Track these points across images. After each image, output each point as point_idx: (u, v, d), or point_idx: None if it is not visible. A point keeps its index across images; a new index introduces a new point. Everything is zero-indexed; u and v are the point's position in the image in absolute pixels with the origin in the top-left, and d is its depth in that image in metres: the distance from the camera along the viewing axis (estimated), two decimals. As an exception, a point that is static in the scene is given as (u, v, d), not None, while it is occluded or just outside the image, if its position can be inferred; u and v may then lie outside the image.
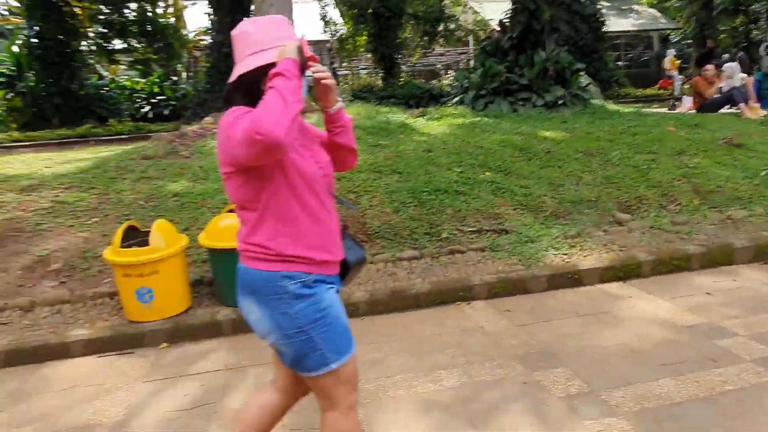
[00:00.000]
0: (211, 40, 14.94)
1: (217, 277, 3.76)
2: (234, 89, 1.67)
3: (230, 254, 3.46)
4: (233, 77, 1.64)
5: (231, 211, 3.78)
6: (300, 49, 1.56)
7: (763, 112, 8.30)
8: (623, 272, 4.17)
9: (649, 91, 16.86)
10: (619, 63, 22.11)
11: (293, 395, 1.95)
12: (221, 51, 13.22)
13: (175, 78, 17.93)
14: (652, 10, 24.56)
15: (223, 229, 3.57)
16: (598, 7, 17.74)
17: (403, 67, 18.00)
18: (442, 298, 3.87)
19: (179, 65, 19.38)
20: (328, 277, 1.73)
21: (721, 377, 2.75)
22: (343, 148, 1.86)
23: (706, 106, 8.73)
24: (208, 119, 7.35)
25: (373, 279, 4.04)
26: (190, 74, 19.73)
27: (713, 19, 19.42)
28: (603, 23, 16.98)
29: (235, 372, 3.13)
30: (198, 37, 18.82)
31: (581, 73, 9.15)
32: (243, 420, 1.91)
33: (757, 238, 4.54)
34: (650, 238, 4.61)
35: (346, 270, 1.82)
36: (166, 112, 15.96)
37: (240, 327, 3.54)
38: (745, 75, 9.44)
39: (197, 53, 19.31)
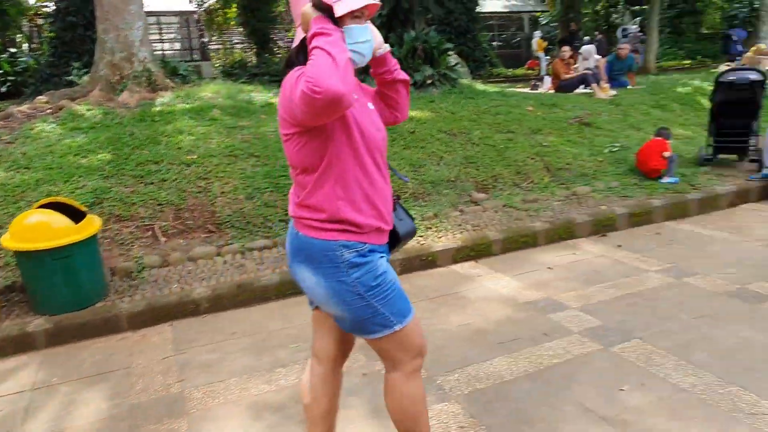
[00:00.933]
0: (54, 7, 13.32)
1: (28, 284, 3.30)
2: (298, 51, 1.62)
3: (43, 256, 3.09)
4: (296, 42, 1.63)
5: (44, 206, 3.31)
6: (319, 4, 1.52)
7: (612, 92, 8.95)
8: (475, 252, 4.26)
9: (519, 71, 17.69)
10: (494, 43, 23.01)
11: (340, 359, 1.95)
12: (66, 19, 11.84)
13: (13, 50, 15.84)
14: (524, -8, 25.72)
15: (32, 228, 3.13)
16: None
17: (280, 43, 17.32)
18: (293, 289, 3.70)
19: (18, 35, 17.18)
20: (380, 246, 1.71)
21: (550, 351, 2.86)
22: (397, 84, 1.82)
23: (562, 86, 9.26)
24: (41, 98, 6.52)
25: (218, 272, 3.78)
26: (33, 45, 17.59)
27: (577, 2, 20.70)
28: (476, 3, 17.46)
29: (43, 392, 2.75)
30: (40, 3, 16.76)
31: (450, 52, 9.30)
32: (311, 401, 1.92)
33: (596, 213, 4.85)
34: (502, 216, 4.76)
35: (395, 241, 1.81)
36: (3, 89, 14.08)
37: (57, 338, 3.14)
38: (599, 57, 10.11)
39: (40, 21, 17.21)
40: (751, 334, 2.91)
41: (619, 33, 20.97)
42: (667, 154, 5.53)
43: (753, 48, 12.86)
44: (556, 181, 5.51)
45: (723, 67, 12.33)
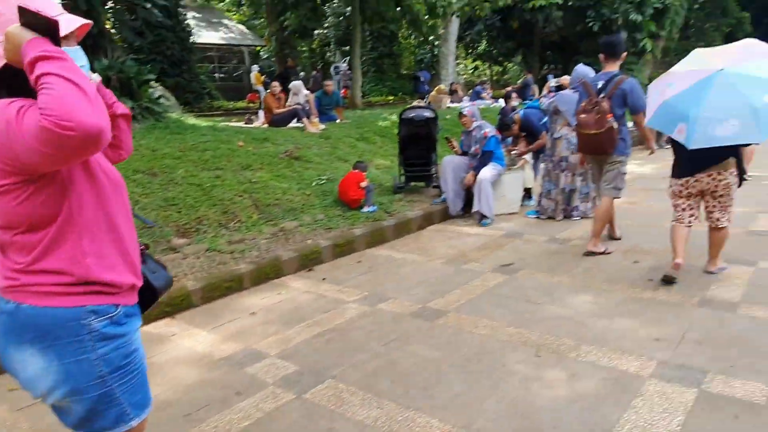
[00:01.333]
0: None
1: None
2: None
3: None
4: None
5: None
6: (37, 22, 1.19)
7: (322, 126, 9.46)
8: (171, 307, 3.85)
9: (240, 104, 17.71)
10: (216, 75, 22.65)
11: None
12: None
13: None
14: (242, 26, 26.02)
15: None
16: (186, 17, 17.59)
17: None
18: None
19: None
20: (133, 308, 1.47)
21: (241, 413, 2.64)
22: (118, 119, 1.58)
23: (275, 120, 9.43)
24: None
25: None
26: None
27: (291, 39, 21.71)
28: (190, 33, 16.93)
29: None
30: None
31: (154, 84, 8.65)
32: None
33: (303, 248, 4.91)
34: (204, 262, 4.45)
35: (150, 298, 1.55)
36: None
37: None
38: (308, 92, 10.63)
39: None
40: (427, 353, 3.16)
41: (332, 70, 22.70)
42: (363, 184, 5.96)
43: (436, 88, 15.16)
44: (265, 218, 5.44)
45: (415, 104, 14.22)
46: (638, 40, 17.73)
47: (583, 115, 4.54)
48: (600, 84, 4.59)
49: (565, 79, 6.22)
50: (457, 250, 5.22)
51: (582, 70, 5.72)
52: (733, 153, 3.72)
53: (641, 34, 17.68)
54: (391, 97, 22.32)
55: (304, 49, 32.63)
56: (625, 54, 4.75)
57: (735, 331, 3.20)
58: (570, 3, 16.81)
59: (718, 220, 3.90)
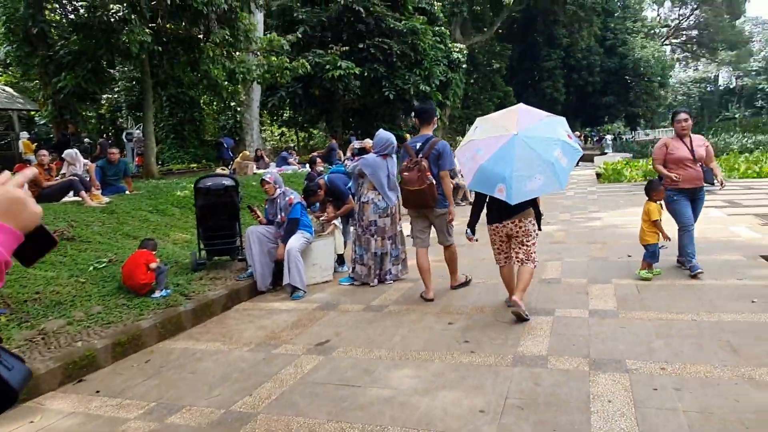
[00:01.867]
0: None
1: None
2: None
3: None
4: None
5: None
6: None
7: (106, 199, 8.26)
8: None
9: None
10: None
11: None
12: None
13: None
14: (10, 89, 22.71)
15: None
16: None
17: None
18: None
19: None
20: None
21: None
22: None
23: (44, 195, 7.97)
24: None
25: None
26: None
27: (72, 103, 19.44)
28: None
29: None
30: None
31: None
32: None
33: (70, 353, 3.91)
34: None
35: (8, 399, 1.10)
36: None
37: None
38: (87, 161, 9.32)
39: None
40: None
41: (124, 137, 20.80)
42: (153, 265, 5.12)
43: (241, 154, 14.63)
44: (17, 319, 4.29)
45: (218, 171, 13.47)
46: (428, 108, 19.39)
47: (406, 173, 4.99)
48: (418, 145, 5.13)
49: (368, 142, 6.23)
50: (267, 330, 4.66)
51: (384, 134, 5.75)
52: (531, 204, 4.39)
53: (431, 102, 19.42)
54: (194, 165, 21.10)
55: (91, 114, 29.72)
56: (436, 119, 5.37)
57: (549, 389, 3.16)
58: (366, 74, 17.84)
59: (524, 260, 4.41)
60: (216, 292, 5.43)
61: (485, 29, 36.21)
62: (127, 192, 9.50)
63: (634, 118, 45.91)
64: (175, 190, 9.98)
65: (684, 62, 67.04)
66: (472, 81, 36.91)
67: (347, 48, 17.81)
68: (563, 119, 4.41)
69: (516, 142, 4.06)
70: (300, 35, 17.19)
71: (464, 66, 24.76)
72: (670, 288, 5.01)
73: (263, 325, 4.83)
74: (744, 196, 11.32)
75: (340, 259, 6.78)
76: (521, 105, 4.52)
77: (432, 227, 5.32)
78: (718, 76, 77.92)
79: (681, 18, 55.39)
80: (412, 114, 5.32)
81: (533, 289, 5.10)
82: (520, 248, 4.41)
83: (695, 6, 52.09)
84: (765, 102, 75.48)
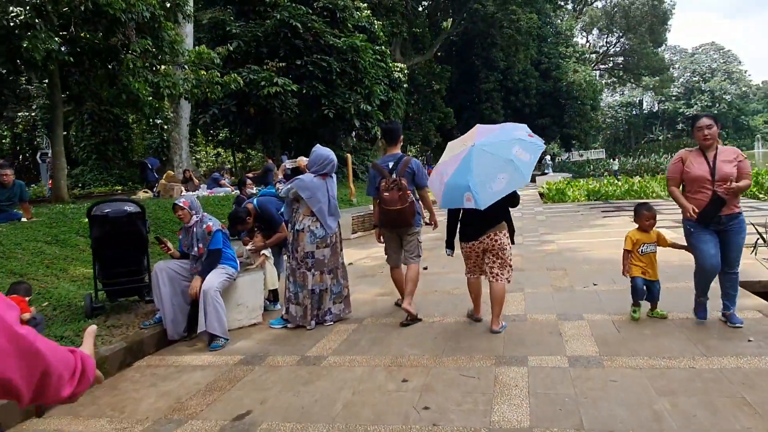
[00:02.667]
0: None
1: None
2: None
3: None
4: None
5: None
6: None
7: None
8: None
9: None
10: None
11: None
12: None
13: None
14: None
15: None
16: None
17: None
18: None
19: None
20: None
21: None
22: None
23: None
24: None
25: None
26: None
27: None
28: None
29: None
30: None
31: None
32: None
33: None
34: None
35: None
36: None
37: None
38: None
39: None
40: None
41: (38, 158, 18.99)
42: (27, 316, 4.00)
43: (165, 174, 13.36)
44: None
45: (141, 194, 12.16)
46: (370, 128, 18.79)
47: (386, 194, 4.81)
48: (390, 164, 4.97)
49: (303, 160, 5.35)
50: (171, 398, 3.64)
51: (321, 151, 4.95)
52: (506, 217, 4.45)
53: (372, 122, 18.82)
54: (119, 187, 19.49)
55: (5, 133, 27.35)
56: (401, 137, 5.25)
57: None
58: (305, 91, 17.00)
59: (498, 275, 4.40)
60: (111, 347, 4.35)
61: (424, 51, 36.34)
62: (23, 219, 8.15)
63: (569, 140, 47.25)
64: (84, 217, 8.70)
65: (612, 87, 70.24)
66: (412, 102, 36.82)
67: (284, 64, 16.95)
68: (524, 125, 4.46)
69: (474, 152, 4.14)
70: (232, 49, 16.17)
71: (405, 86, 24.41)
72: (650, 325, 4.39)
73: (168, 390, 3.81)
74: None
75: (273, 295, 5.82)
76: (479, 125, 4.61)
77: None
78: (642, 100, 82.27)
79: (608, 45, 58.04)
80: (380, 133, 5.54)
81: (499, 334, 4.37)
82: (494, 261, 4.41)
83: (621, 34, 54.71)
84: (685, 125, 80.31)
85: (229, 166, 25.88)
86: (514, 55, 37.56)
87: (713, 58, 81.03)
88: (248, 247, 5.77)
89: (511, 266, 4.46)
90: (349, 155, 15.46)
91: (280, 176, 5.49)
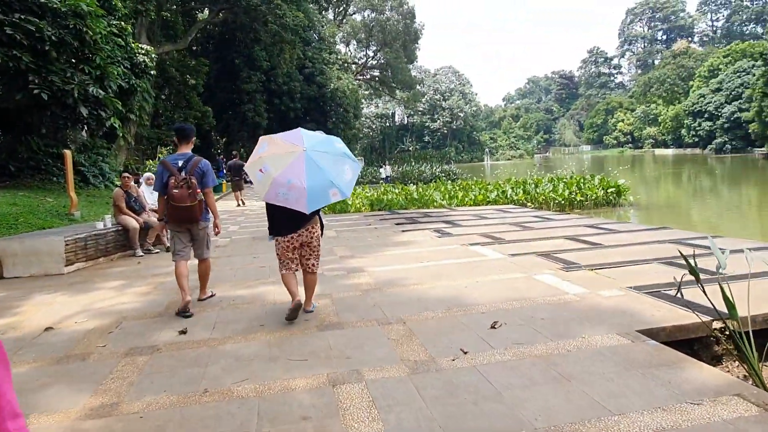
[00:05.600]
0: None
1: None
2: None
3: None
4: None
5: None
6: None
7: None
8: None
9: None
10: None
11: None
12: None
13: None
14: None
15: None
16: None
17: None
18: None
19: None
20: None
21: None
22: None
23: None
24: None
25: None
26: None
27: None
28: None
29: None
30: None
31: None
32: None
33: None
34: None
35: None
36: None
37: None
38: None
39: None
40: None
41: None
42: None
43: None
44: None
45: None
46: (104, 119, 14.48)
47: (176, 191, 4.94)
48: (180, 163, 5.06)
49: None
50: None
51: None
52: (317, 214, 4.74)
53: (107, 111, 14.52)
54: None
55: None
56: (194, 138, 5.35)
57: None
58: (11, 65, 12.05)
59: (313, 265, 4.81)
60: None
61: (177, 39, 31.82)
62: None
63: (333, 147, 47.18)
64: None
65: (368, 98, 73.65)
66: (163, 96, 31.98)
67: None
68: (333, 137, 4.77)
69: (310, 155, 4.35)
70: None
71: (153, 74, 20.22)
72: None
73: None
74: (489, 227, 10.28)
75: None
76: (299, 129, 4.69)
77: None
78: (395, 113, 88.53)
79: (367, 57, 60.29)
80: (174, 132, 5.30)
81: None
82: (311, 254, 4.78)
83: (378, 48, 57.20)
84: (431, 137, 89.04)
85: None
86: (279, 54, 35.42)
87: (451, 80, 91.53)
88: None
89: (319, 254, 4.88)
90: (68, 152, 11.18)
91: None
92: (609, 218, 15.48)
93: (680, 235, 8.18)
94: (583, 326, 4.16)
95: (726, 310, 3.60)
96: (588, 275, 5.83)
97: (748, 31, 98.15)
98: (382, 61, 57.51)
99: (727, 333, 4.22)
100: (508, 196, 16.70)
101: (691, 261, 3.68)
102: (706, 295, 3.58)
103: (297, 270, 4.77)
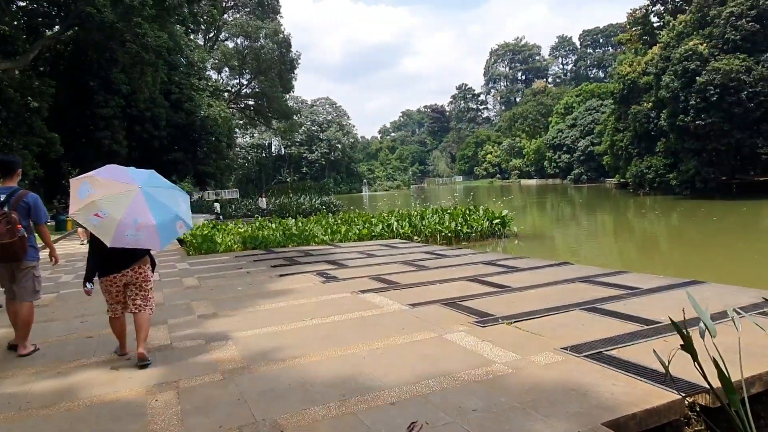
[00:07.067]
0: None
1: None
2: None
3: None
4: None
5: None
6: None
7: None
8: None
9: None
10: None
11: None
12: None
13: None
14: None
15: None
16: None
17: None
18: None
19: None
20: None
21: None
22: None
23: None
24: None
25: None
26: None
27: None
28: None
29: None
30: None
31: None
32: None
33: None
34: None
35: None
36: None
37: None
38: None
39: None
40: None
41: None
42: None
43: None
44: None
45: None
46: None
47: None
48: (2, 197, 4.73)
49: None
50: None
51: None
52: (148, 252, 4.56)
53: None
54: None
55: None
56: (20, 171, 4.99)
57: None
58: None
59: (141, 306, 4.55)
60: None
61: (16, 56, 27.69)
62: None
63: (204, 177, 44.08)
64: None
65: (243, 128, 70.83)
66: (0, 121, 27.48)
67: None
68: (152, 171, 4.66)
69: (148, 191, 4.30)
70: None
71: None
72: None
73: None
74: (379, 267, 9.11)
75: None
76: (108, 165, 4.64)
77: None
78: (272, 143, 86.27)
79: (241, 86, 57.88)
80: None
81: None
82: (137, 294, 4.55)
83: (253, 76, 55.16)
84: (309, 169, 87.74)
85: None
86: (140, 78, 32.16)
87: (328, 111, 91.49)
88: None
89: (153, 297, 4.70)
90: None
91: None
92: (497, 250, 15.11)
93: (586, 272, 7.58)
94: (532, 420, 3.02)
95: (706, 383, 2.64)
96: (509, 331, 4.80)
97: (592, 75, 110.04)
98: (257, 90, 55.47)
99: (698, 409, 3.33)
100: (394, 229, 15.84)
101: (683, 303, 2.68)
102: (705, 378, 2.58)
103: (125, 312, 4.60)
